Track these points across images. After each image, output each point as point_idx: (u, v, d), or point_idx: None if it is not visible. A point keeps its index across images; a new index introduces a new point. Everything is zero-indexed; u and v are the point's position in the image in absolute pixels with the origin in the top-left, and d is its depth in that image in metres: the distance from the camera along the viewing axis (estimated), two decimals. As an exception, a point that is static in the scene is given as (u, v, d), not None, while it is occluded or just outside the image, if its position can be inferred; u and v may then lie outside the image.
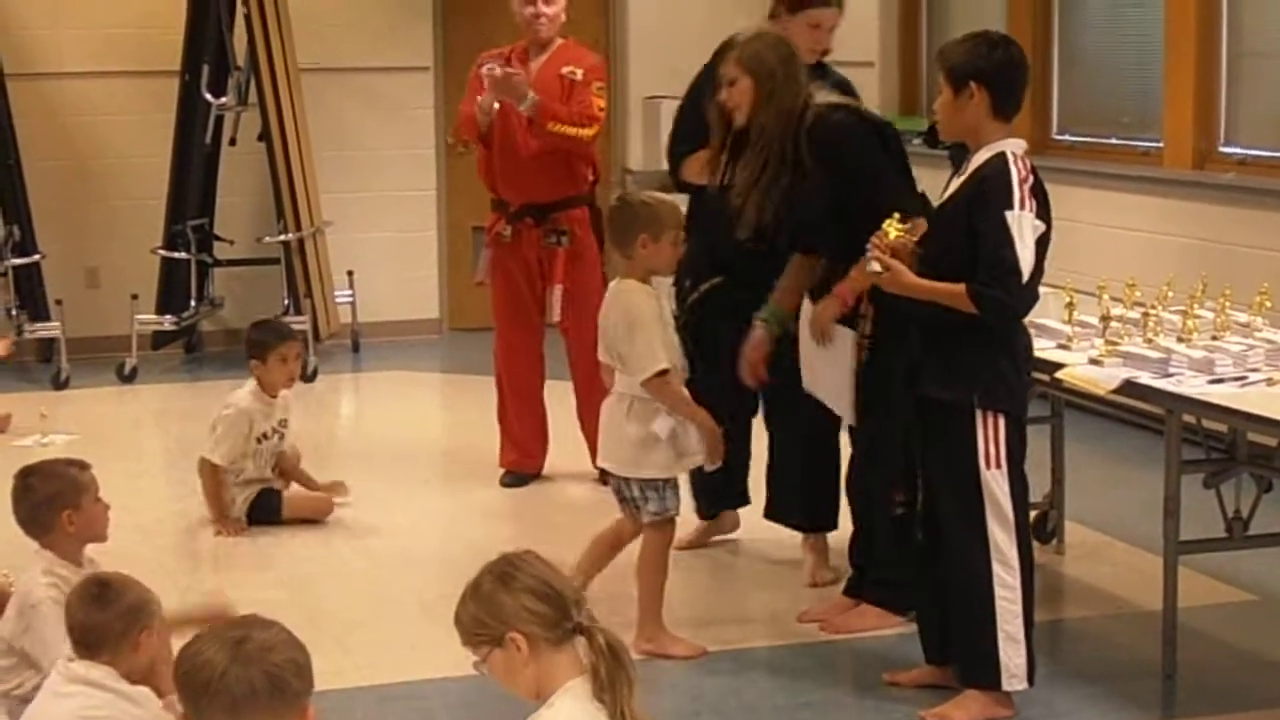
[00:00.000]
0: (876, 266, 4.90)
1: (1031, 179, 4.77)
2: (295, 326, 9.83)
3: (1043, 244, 4.78)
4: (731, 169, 5.61)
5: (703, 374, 5.81)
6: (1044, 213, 4.78)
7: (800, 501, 6.23)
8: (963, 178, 4.87)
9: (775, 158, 5.44)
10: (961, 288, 4.72)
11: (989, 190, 4.75)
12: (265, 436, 6.96)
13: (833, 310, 5.51)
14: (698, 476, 6.30)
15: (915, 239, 4.91)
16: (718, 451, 5.47)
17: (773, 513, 6.36)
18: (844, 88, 6.03)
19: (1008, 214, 4.69)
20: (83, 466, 4.87)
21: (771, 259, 5.77)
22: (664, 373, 5.34)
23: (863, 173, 5.40)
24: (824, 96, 5.59)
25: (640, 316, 5.36)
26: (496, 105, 7.18)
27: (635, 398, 5.40)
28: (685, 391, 5.44)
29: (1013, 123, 4.89)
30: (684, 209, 5.76)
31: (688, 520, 6.37)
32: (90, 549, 4.82)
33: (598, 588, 5.48)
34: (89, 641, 4.07)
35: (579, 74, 7.28)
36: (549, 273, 7.40)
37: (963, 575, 4.91)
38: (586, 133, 7.21)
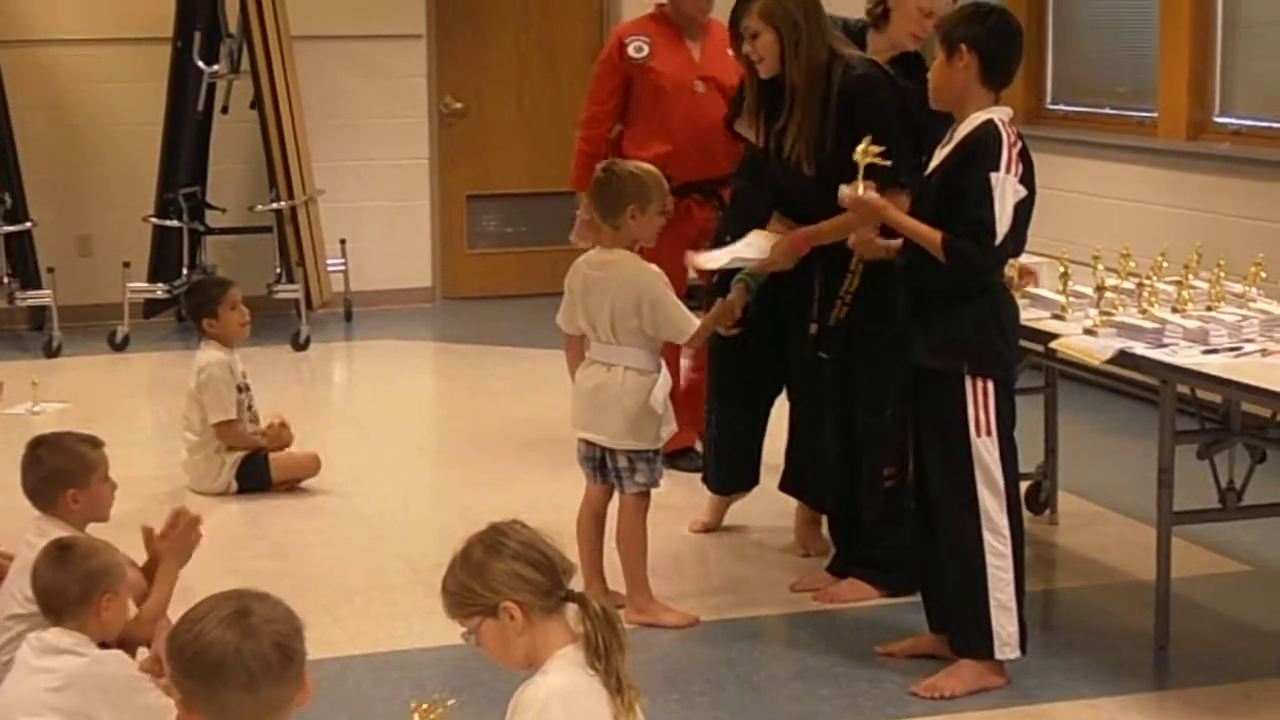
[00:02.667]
0: (847, 190, 4.94)
1: (1020, 144, 4.80)
2: (287, 295, 9.91)
3: (1025, 211, 4.80)
4: (767, 124, 5.59)
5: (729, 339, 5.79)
6: (1028, 179, 4.80)
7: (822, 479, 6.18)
8: (949, 146, 4.88)
9: (811, 112, 5.41)
10: (938, 234, 4.76)
11: (977, 152, 4.77)
12: (241, 389, 7.02)
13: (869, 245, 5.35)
14: (717, 455, 6.30)
15: (888, 163, 5.00)
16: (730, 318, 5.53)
17: (789, 486, 6.31)
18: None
19: (993, 175, 4.72)
20: (95, 444, 4.82)
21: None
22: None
23: (873, 130, 5.23)
24: (850, 51, 5.55)
25: (660, 286, 5.37)
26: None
27: (628, 368, 5.39)
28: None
29: (1000, 94, 4.89)
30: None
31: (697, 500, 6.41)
32: None
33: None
34: (52, 605, 4.07)
35: None
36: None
37: (954, 544, 4.91)
38: None
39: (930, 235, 4.79)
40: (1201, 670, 5.12)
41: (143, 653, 4.43)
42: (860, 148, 5.01)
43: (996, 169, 4.71)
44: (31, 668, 3.99)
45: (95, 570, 4.11)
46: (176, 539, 4.71)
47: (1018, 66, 4.97)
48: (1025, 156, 4.80)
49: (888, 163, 5.03)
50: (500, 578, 3.29)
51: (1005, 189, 4.71)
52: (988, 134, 4.77)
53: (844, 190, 5.05)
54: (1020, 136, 4.83)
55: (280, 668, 2.69)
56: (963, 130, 4.85)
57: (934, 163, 4.96)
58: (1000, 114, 4.83)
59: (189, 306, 7.37)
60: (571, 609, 3.33)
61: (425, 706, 3.15)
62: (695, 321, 5.38)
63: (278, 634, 2.71)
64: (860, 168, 5.00)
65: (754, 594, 5.84)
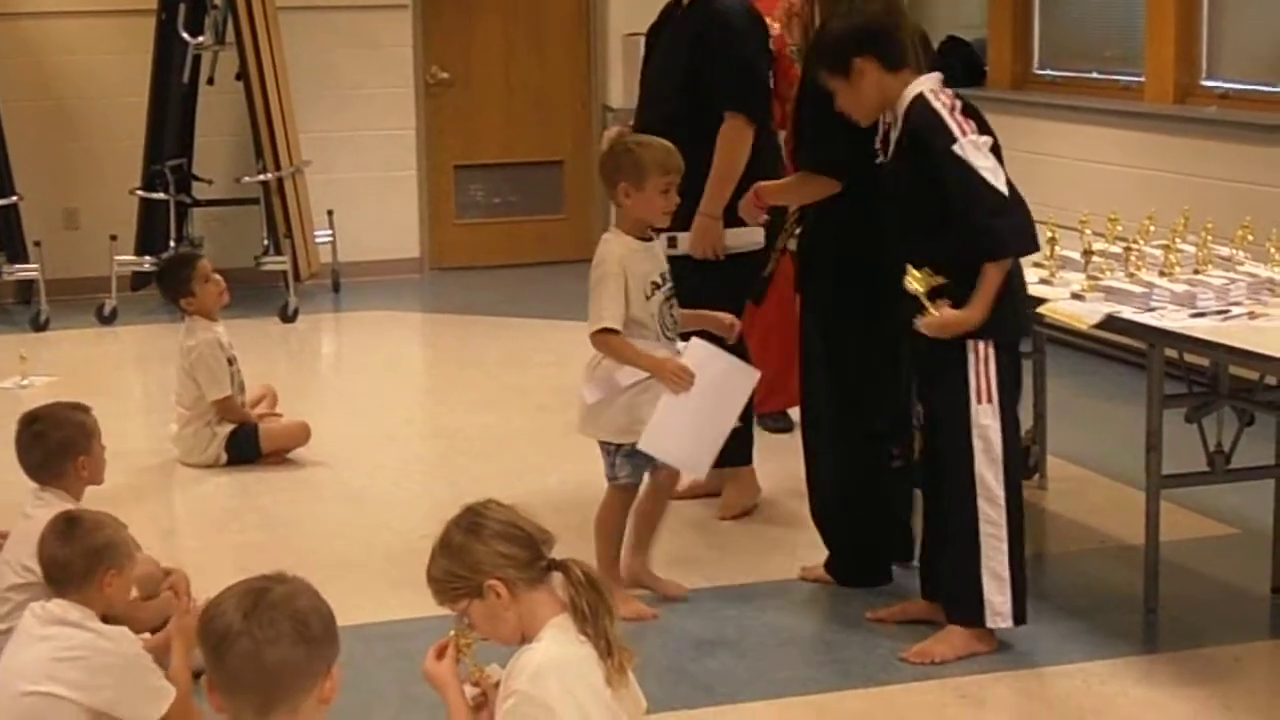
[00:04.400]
0: (928, 320, 4.75)
1: (958, 103, 4.75)
2: (275, 267, 9.90)
3: (999, 154, 4.74)
4: None
5: None
6: (984, 129, 4.75)
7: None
8: (896, 133, 4.85)
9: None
10: (989, 269, 4.66)
11: (924, 138, 4.71)
12: (231, 361, 7.03)
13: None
14: None
15: (938, 281, 4.74)
16: (681, 381, 5.15)
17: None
18: None
19: (954, 148, 4.66)
20: (86, 410, 4.87)
21: None
22: (609, 331, 5.11)
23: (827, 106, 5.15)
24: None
25: (605, 270, 5.15)
26: None
27: (603, 357, 5.21)
28: (633, 347, 5.13)
29: (910, 69, 4.81)
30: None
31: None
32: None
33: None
34: (56, 577, 4.07)
35: None
36: None
37: (950, 511, 4.90)
38: None
39: (992, 278, 4.67)
40: (1190, 633, 5.13)
41: (145, 637, 4.42)
42: (916, 276, 4.73)
43: (954, 140, 4.66)
44: (34, 636, 3.99)
45: (101, 545, 4.11)
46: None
47: (905, 33, 4.87)
48: (970, 111, 4.75)
49: (942, 280, 4.75)
50: (481, 557, 3.36)
51: (974, 150, 4.65)
52: (922, 115, 4.71)
53: (926, 322, 4.76)
54: (957, 95, 4.78)
55: (291, 639, 2.68)
56: (900, 117, 4.80)
57: (891, 147, 4.92)
58: (926, 84, 4.78)
59: (164, 290, 7.38)
60: (556, 577, 3.40)
61: (458, 631, 3.39)
62: (607, 319, 5.09)
63: (295, 609, 2.72)
64: (923, 296, 4.75)
65: (744, 560, 5.84)
